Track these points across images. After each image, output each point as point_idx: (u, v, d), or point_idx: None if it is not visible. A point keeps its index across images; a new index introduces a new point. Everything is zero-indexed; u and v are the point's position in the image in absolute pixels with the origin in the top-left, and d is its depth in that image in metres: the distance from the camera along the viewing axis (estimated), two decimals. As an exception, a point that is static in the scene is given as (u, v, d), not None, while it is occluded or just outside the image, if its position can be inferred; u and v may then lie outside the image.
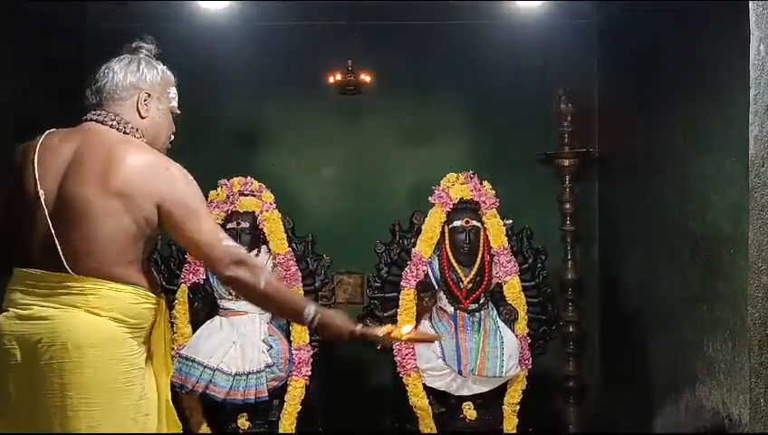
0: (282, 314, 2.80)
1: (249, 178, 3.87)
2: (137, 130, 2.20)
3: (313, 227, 4.06)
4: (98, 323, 2.05)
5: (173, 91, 2.34)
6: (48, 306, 2.04)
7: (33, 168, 2.10)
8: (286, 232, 3.82)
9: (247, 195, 3.83)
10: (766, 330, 1.70)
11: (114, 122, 2.17)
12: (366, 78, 4.24)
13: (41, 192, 2.08)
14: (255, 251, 3.79)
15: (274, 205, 3.83)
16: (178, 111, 2.37)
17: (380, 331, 2.27)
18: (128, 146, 2.14)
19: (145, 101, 2.22)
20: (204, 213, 2.16)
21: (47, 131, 2.21)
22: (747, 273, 1.77)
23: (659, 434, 3.75)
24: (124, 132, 2.18)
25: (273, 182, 4.01)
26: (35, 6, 3.75)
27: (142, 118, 2.22)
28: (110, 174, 2.07)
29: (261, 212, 3.80)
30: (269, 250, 3.80)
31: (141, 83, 2.22)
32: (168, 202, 2.10)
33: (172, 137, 2.37)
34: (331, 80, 4.28)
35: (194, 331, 3.71)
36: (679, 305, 3.57)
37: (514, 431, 3.74)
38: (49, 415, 2.02)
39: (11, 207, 2.16)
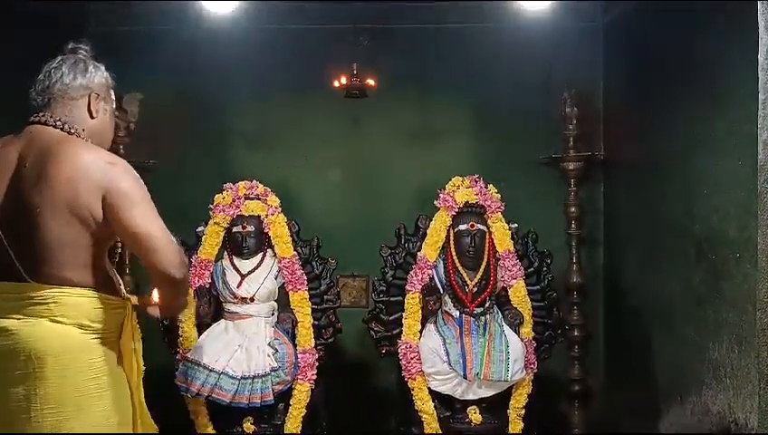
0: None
1: (255, 181, 3.87)
2: (83, 130, 2.19)
3: (319, 230, 4.06)
4: (61, 331, 2.02)
5: (112, 92, 2.35)
6: (12, 317, 2.02)
7: None
8: (292, 236, 3.83)
9: (253, 198, 3.83)
10: (774, 335, 1.69)
11: (59, 122, 2.16)
12: (371, 82, 4.25)
13: None
14: (261, 255, 3.79)
15: (280, 208, 3.83)
16: (117, 113, 2.41)
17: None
18: (70, 145, 2.12)
19: (96, 100, 2.23)
20: (151, 208, 2.10)
21: None
22: (756, 278, 1.76)
23: (665, 437, 3.74)
24: (68, 133, 2.16)
25: (279, 186, 4.01)
26: (36, 7, 3.75)
27: (93, 118, 2.22)
28: (52, 175, 2.04)
29: (266, 216, 3.80)
30: (274, 254, 3.80)
31: (91, 84, 2.23)
32: (112, 195, 2.05)
33: (113, 135, 2.39)
34: (337, 84, 4.29)
35: (199, 334, 3.72)
36: (685, 309, 3.56)
37: (520, 435, 3.73)
38: (18, 426, 2.00)
39: None
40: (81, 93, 2.21)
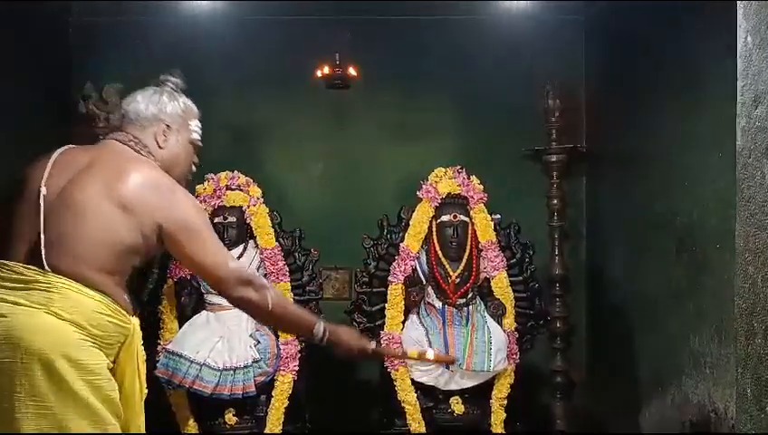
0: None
1: (236, 172, 3.85)
2: (152, 156, 2.24)
3: (301, 221, 4.04)
4: (55, 325, 1.97)
5: (194, 124, 2.37)
6: (9, 302, 1.98)
7: (44, 170, 2.12)
8: (274, 227, 3.81)
9: (234, 189, 3.81)
10: (753, 320, 1.70)
11: (132, 143, 2.23)
12: (353, 72, 4.23)
13: (43, 189, 2.08)
14: (242, 246, 3.77)
15: (262, 199, 3.81)
16: (200, 144, 2.40)
17: (400, 352, 2.31)
18: (139, 164, 2.18)
19: (164, 132, 2.27)
20: (208, 235, 2.17)
21: (66, 146, 2.24)
22: (734, 264, 1.77)
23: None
24: (138, 153, 2.22)
25: (261, 177, 3.99)
26: (20, -1, 3.72)
27: (160, 148, 2.27)
28: (115, 184, 2.08)
29: (248, 206, 3.78)
30: (256, 245, 3.79)
31: (162, 114, 2.28)
32: (171, 223, 2.11)
33: (194, 168, 2.42)
34: (319, 73, 4.26)
35: (180, 326, 3.69)
36: (666, 300, 3.59)
37: (502, 425, 3.74)
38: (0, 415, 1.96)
39: (12, 208, 2.14)
40: (152, 122, 2.26)
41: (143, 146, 2.23)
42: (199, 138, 2.39)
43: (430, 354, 2.54)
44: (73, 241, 2.04)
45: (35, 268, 2.01)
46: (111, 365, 2.09)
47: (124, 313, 2.10)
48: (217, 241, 2.21)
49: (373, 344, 2.31)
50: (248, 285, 2.16)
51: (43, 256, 2.02)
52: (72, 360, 1.96)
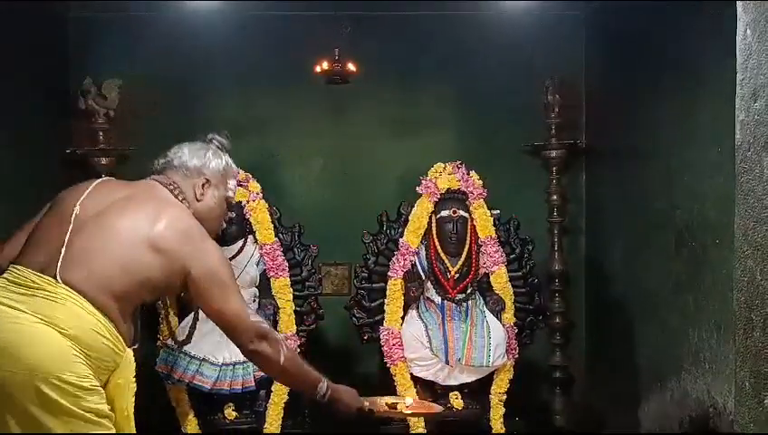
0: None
1: (235, 167, 3.84)
2: (189, 204, 2.30)
3: (300, 217, 4.05)
4: (46, 334, 1.95)
5: (232, 183, 2.45)
6: (16, 310, 1.96)
7: (82, 193, 2.17)
8: (273, 222, 3.81)
9: (234, 184, 3.80)
10: (751, 314, 1.70)
11: (172, 187, 2.29)
12: (353, 67, 4.22)
13: (77, 208, 2.12)
14: (242, 241, 3.77)
15: (261, 195, 3.81)
16: (234, 201, 2.52)
17: (382, 403, 2.48)
18: (177, 209, 2.23)
19: (203, 185, 2.33)
20: (233, 288, 2.22)
21: (107, 178, 2.37)
22: (732, 258, 1.77)
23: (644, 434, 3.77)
24: (176, 197, 2.28)
25: (261, 172, 4.00)
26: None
27: (198, 200, 2.32)
28: (152, 221, 2.13)
29: (248, 202, 3.78)
30: (255, 240, 3.79)
31: (204, 169, 2.34)
32: (197, 270, 2.15)
33: (224, 224, 2.53)
34: (318, 69, 4.25)
35: (180, 321, 3.69)
36: (666, 295, 3.59)
37: (501, 420, 3.75)
38: None
39: (40, 220, 2.19)
40: (194, 174, 2.32)
41: (182, 192, 2.29)
42: (234, 196, 2.48)
43: (408, 401, 2.67)
44: (94, 259, 2.06)
45: (47, 278, 2.01)
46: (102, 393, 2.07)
47: (121, 340, 2.09)
48: (240, 294, 2.27)
49: (366, 404, 2.43)
50: (264, 338, 2.23)
51: (58, 268, 2.02)
52: (58, 371, 1.94)
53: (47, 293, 2.00)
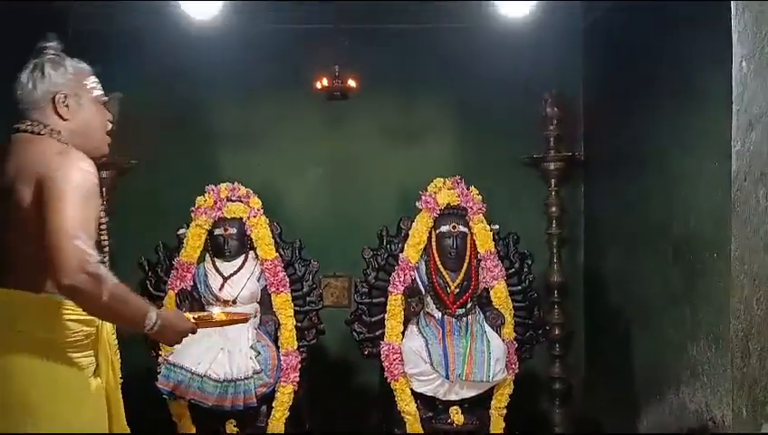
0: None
1: (236, 183, 3.87)
2: (59, 132, 2.08)
3: (301, 229, 4.07)
4: (17, 338, 1.93)
5: (91, 81, 2.18)
6: None
7: None
8: (274, 238, 3.83)
9: (235, 201, 3.83)
10: (748, 342, 1.72)
11: (29, 126, 2.07)
12: (353, 83, 4.25)
13: None
14: (243, 257, 3.79)
15: (262, 211, 3.83)
16: (105, 98, 2.21)
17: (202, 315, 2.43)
18: (34, 143, 2.04)
19: (63, 102, 2.10)
20: (80, 204, 1.91)
21: None
22: (729, 286, 1.79)
23: (644, 436, 3.79)
24: (38, 134, 2.07)
25: (262, 187, 4.01)
26: (18, 6, 3.71)
27: (65, 120, 2.10)
28: (18, 173, 1.97)
29: (248, 218, 3.80)
30: (256, 256, 3.81)
31: (52, 87, 2.10)
32: (44, 179, 1.92)
33: (109, 125, 2.22)
34: (319, 85, 4.28)
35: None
36: (663, 308, 3.61)
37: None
38: None
39: None
40: (46, 99, 2.09)
41: (46, 126, 2.06)
42: (101, 93, 2.19)
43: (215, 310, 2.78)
44: (8, 252, 1.98)
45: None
46: (94, 366, 2.06)
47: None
48: (85, 217, 1.91)
49: (194, 321, 2.19)
50: (89, 276, 1.85)
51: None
52: (37, 373, 1.93)
53: (3, 303, 1.96)
